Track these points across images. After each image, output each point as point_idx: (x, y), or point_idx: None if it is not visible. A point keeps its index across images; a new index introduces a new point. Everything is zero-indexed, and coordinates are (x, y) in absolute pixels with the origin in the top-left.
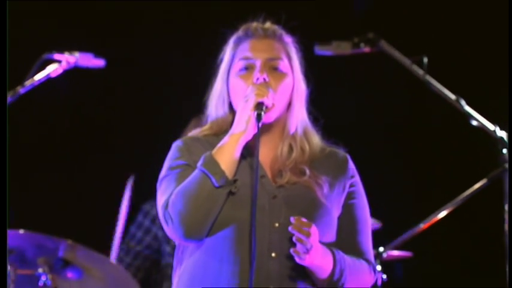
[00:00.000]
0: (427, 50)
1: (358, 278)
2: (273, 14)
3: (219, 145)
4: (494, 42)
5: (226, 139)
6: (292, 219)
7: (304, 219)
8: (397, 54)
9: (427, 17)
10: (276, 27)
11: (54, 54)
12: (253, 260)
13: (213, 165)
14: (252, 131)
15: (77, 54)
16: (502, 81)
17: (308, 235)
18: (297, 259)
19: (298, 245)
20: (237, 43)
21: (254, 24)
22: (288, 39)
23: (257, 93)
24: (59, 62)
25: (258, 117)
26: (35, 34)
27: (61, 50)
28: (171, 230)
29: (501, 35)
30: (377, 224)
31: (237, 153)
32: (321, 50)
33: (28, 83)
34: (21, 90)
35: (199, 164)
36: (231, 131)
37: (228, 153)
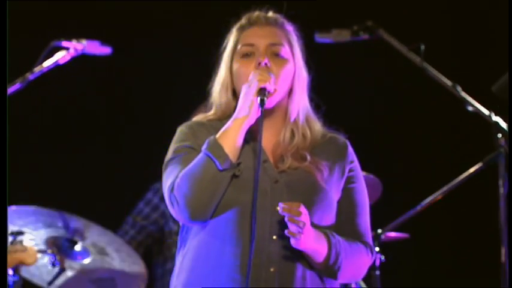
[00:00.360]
0: (424, 38)
1: (355, 261)
2: (275, 3)
3: (222, 129)
4: (490, 31)
5: (229, 123)
6: (280, 204)
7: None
8: (395, 42)
9: (425, 5)
10: (278, 15)
11: (62, 41)
12: (252, 240)
13: (217, 148)
14: (254, 115)
15: (84, 42)
16: (498, 68)
17: (299, 214)
18: (292, 242)
19: (291, 225)
20: (240, 31)
21: (256, 13)
22: (290, 27)
23: (259, 79)
24: (67, 49)
25: (261, 103)
26: (44, 22)
27: (69, 38)
28: (176, 212)
29: (497, 25)
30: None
31: (241, 138)
32: (321, 38)
33: (37, 69)
34: (30, 76)
35: (203, 147)
36: (234, 116)
37: (231, 137)
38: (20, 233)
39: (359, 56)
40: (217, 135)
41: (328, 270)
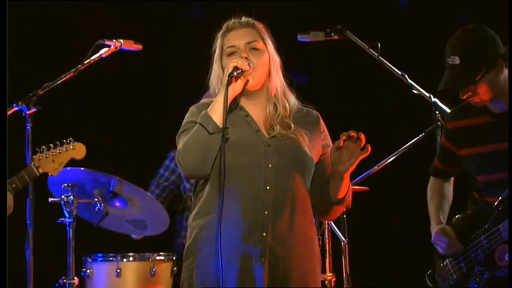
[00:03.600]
0: (380, 38)
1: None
2: (267, 12)
3: (211, 105)
4: (430, 32)
5: (215, 99)
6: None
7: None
8: (358, 41)
9: (383, 14)
10: (249, 19)
11: (105, 40)
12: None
13: (207, 118)
14: (235, 90)
15: (121, 40)
16: (436, 60)
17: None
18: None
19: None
20: (223, 36)
21: (232, 20)
22: (260, 25)
23: (232, 61)
24: (109, 46)
25: (230, 75)
26: (91, 25)
27: (110, 37)
28: (182, 169)
29: (436, 27)
30: None
31: (224, 108)
32: (302, 38)
33: (86, 61)
34: (81, 67)
35: (198, 120)
36: (219, 94)
37: (217, 109)
38: (74, 185)
39: (332, 52)
40: (208, 109)
41: (338, 201)
